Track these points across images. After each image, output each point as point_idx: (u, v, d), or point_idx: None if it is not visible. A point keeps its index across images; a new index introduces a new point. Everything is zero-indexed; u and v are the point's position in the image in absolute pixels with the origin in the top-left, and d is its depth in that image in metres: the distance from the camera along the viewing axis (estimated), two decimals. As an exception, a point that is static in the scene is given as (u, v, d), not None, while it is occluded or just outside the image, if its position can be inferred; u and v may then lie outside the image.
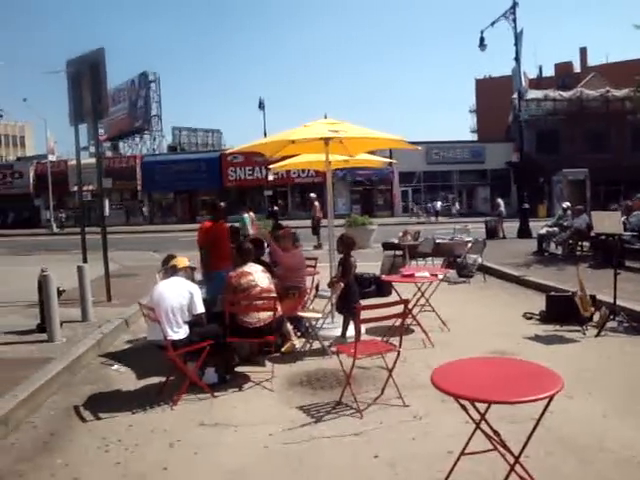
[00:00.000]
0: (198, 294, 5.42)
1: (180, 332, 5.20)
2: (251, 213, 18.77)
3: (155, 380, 5.62)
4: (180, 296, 5.28)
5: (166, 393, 5.16)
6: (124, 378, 5.86)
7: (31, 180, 45.12)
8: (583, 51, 59.68)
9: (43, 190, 41.26)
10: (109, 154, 48.88)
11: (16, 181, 45.61)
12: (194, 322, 5.36)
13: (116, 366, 6.29)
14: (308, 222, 20.78)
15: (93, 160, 17.08)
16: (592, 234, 11.60)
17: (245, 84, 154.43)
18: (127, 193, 43.65)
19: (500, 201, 23.12)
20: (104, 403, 5.12)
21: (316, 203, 20.17)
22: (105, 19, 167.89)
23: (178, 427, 4.49)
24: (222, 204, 7.65)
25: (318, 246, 18.62)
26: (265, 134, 34.11)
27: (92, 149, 23.81)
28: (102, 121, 10.62)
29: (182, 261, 5.76)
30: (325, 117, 7.39)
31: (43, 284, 7.02)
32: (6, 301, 9.48)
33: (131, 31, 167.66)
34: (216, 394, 5.17)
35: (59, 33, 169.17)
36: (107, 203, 25.36)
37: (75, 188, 17.81)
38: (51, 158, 40.52)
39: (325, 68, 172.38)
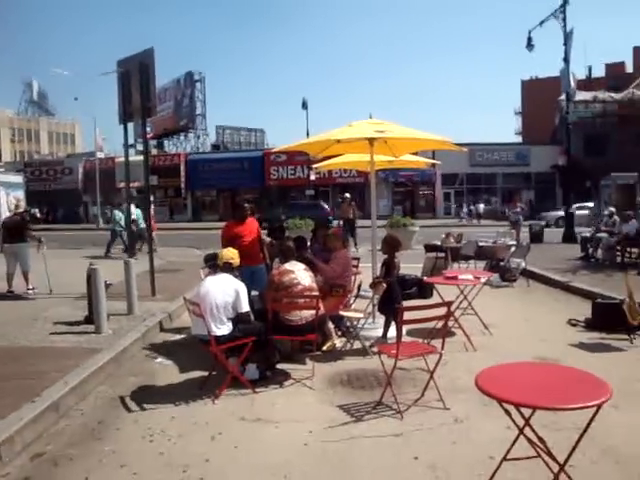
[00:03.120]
0: (244, 292, 5.49)
1: (223, 328, 5.28)
2: (151, 208, 18.74)
3: (197, 374, 5.74)
4: (225, 294, 5.36)
5: (208, 387, 5.26)
6: (167, 371, 5.99)
7: (80, 176, 46.55)
8: (637, 50, 57.74)
9: (91, 186, 42.41)
10: (154, 152, 49.90)
11: (66, 177, 47.17)
12: (239, 319, 5.43)
13: (160, 359, 6.43)
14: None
15: (140, 157, 17.45)
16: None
17: (289, 84, 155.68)
18: (171, 190, 44.46)
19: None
20: (148, 394, 5.26)
21: (343, 204, 19.43)
22: (151, 19, 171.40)
23: (220, 421, 4.58)
24: (246, 204, 7.81)
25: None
26: (308, 134, 34.26)
27: (139, 147, 24.30)
28: (149, 119, 10.85)
29: (225, 255, 5.82)
30: (370, 117, 7.39)
31: (91, 277, 7.23)
32: (56, 293, 9.81)
33: (177, 30, 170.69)
34: (257, 390, 5.23)
35: (108, 33, 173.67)
36: (152, 200, 25.88)
37: (122, 185, 18.27)
38: (99, 155, 41.63)
39: (369, 68, 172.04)
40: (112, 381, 5.64)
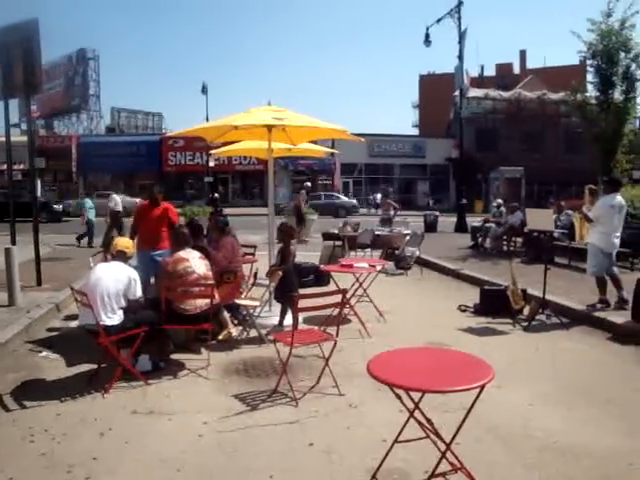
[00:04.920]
0: (137, 280, 5.30)
1: (114, 318, 5.05)
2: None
3: (86, 367, 5.45)
4: (118, 281, 5.14)
5: (97, 381, 5.01)
6: (53, 365, 5.65)
7: (-46, 156, 42.68)
8: (523, 53, 61.60)
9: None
10: (42, 132, 46.88)
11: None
12: (130, 308, 5.22)
13: (45, 353, 6.05)
14: (248, 210, 20.14)
15: (24, 138, 16.28)
16: (525, 231, 12.03)
17: (188, 68, 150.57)
18: (61, 174, 41.95)
19: (377, 195, 22.14)
20: (31, 391, 4.92)
21: (302, 192, 19.29)
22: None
23: (109, 416, 4.37)
24: (154, 187, 7.65)
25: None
26: (207, 119, 33.57)
27: (23, 126, 22.71)
28: (35, 97, 10.15)
29: (120, 243, 5.58)
30: (269, 104, 7.30)
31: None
32: None
33: (69, 6, 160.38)
34: (150, 382, 5.06)
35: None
36: (39, 184, 24.32)
37: (4, 167, 16.97)
38: (-23, 134, 38.46)
39: (269, 55, 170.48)
40: (-12, 379, 5.24)
